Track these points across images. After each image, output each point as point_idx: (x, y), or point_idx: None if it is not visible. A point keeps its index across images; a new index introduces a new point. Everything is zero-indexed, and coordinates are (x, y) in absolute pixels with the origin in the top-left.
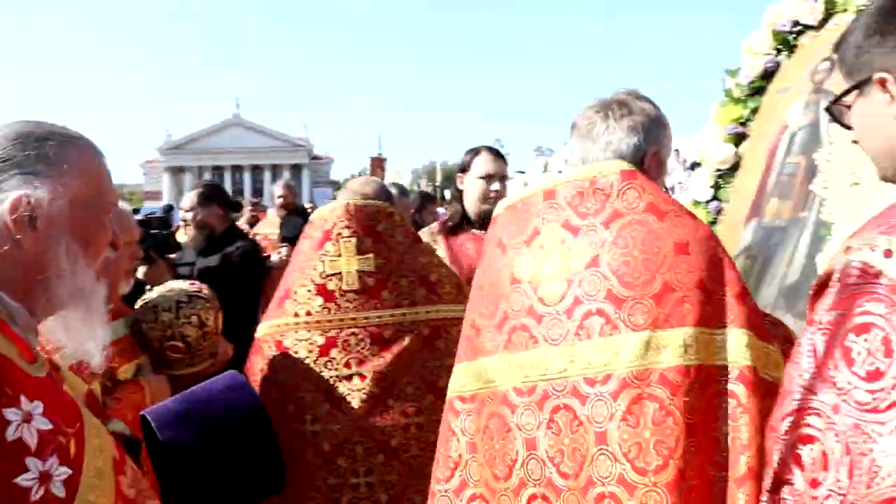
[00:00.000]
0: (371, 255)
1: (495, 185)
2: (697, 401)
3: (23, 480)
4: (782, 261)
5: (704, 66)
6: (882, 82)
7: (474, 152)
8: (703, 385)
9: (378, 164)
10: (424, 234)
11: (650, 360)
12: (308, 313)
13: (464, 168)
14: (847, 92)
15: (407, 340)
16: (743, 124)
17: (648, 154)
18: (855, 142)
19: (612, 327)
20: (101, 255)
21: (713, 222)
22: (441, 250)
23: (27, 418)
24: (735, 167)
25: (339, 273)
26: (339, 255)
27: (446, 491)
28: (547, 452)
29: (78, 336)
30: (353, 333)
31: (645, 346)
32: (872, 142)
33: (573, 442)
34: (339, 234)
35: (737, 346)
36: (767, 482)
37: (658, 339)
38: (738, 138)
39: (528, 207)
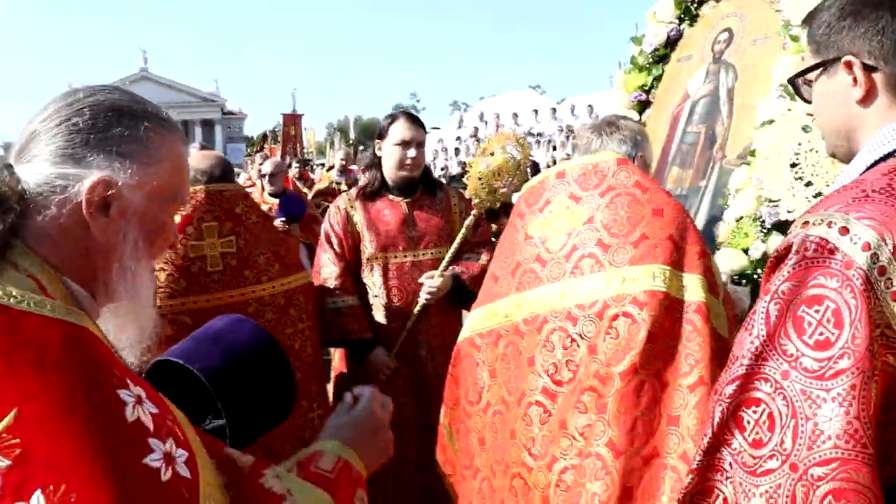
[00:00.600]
0: (232, 238)
1: (412, 152)
2: (661, 318)
3: (150, 461)
4: None
5: (616, 27)
6: (849, 65)
7: (391, 118)
8: (667, 309)
9: (291, 121)
10: (342, 200)
11: (626, 287)
12: (172, 296)
13: (381, 134)
14: (813, 68)
15: (269, 314)
16: (647, 92)
17: (636, 159)
18: (810, 114)
19: (600, 266)
20: (161, 253)
21: None
22: (358, 216)
23: (139, 400)
24: None
25: (203, 256)
26: (202, 239)
27: (477, 411)
28: (542, 366)
29: (121, 331)
30: (219, 311)
31: (623, 277)
32: (829, 120)
33: (567, 355)
34: (201, 218)
35: (695, 288)
36: (705, 443)
37: (634, 272)
38: (642, 105)
39: (543, 184)
